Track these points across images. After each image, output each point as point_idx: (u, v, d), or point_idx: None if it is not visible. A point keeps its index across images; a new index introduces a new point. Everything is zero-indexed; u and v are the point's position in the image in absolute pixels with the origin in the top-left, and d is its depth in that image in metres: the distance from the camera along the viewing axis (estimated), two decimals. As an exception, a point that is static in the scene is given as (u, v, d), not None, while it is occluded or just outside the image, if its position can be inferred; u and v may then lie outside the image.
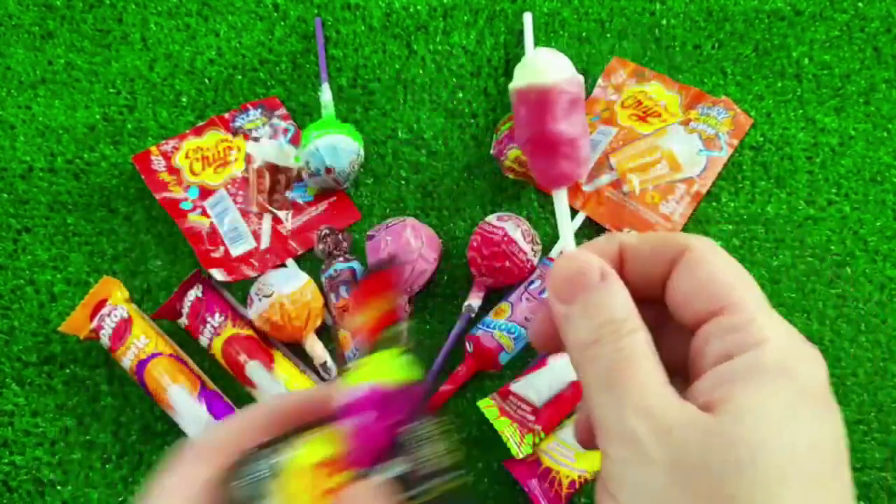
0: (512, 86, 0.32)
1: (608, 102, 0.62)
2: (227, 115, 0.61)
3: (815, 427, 0.18)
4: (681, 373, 0.21)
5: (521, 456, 0.48)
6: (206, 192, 0.58)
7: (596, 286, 0.21)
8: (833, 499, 0.17)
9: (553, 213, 0.57)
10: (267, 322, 0.50)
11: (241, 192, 0.58)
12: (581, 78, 0.32)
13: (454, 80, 0.63)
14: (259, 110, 0.62)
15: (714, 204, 0.58)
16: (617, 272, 0.21)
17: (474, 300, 0.53)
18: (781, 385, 0.18)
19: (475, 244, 0.52)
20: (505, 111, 0.62)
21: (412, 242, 0.52)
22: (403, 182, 0.59)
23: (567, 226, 0.29)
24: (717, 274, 0.20)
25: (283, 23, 0.66)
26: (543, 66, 0.31)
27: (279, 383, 0.49)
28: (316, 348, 0.51)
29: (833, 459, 0.18)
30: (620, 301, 0.20)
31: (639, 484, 0.18)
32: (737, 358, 0.19)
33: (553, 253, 0.55)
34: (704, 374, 0.19)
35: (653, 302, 0.22)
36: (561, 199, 0.30)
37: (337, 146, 0.55)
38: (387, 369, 0.23)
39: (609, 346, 0.20)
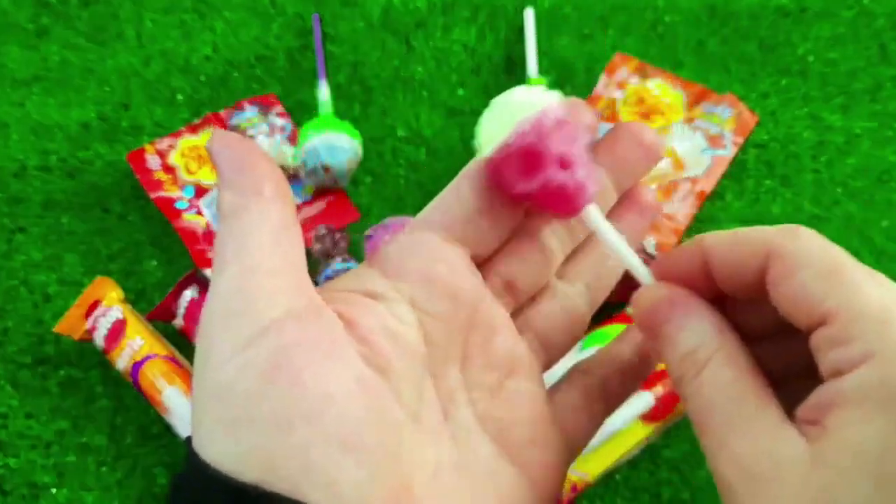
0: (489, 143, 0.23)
1: (609, 101, 0.61)
2: (222, 113, 0.61)
3: None
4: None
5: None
6: (201, 191, 0.58)
7: (668, 318, 0.20)
8: None
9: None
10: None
11: (237, 191, 0.58)
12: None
13: (454, 77, 0.63)
14: (255, 108, 0.61)
15: (718, 203, 0.57)
16: (706, 277, 0.20)
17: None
18: (882, 417, 0.16)
19: None
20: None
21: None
22: (402, 181, 0.59)
23: (622, 247, 0.22)
24: (808, 283, 0.18)
25: (280, 19, 0.65)
26: (523, 102, 0.23)
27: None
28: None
29: None
30: (690, 328, 0.19)
31: None
32: (839, 379, 0.17)
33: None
34: (813, 393, 0.18)
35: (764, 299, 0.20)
36: (594, 216, 0.22)
37: (335, 144, 0.55)
38: None
39: (690, 385, 0.19)
